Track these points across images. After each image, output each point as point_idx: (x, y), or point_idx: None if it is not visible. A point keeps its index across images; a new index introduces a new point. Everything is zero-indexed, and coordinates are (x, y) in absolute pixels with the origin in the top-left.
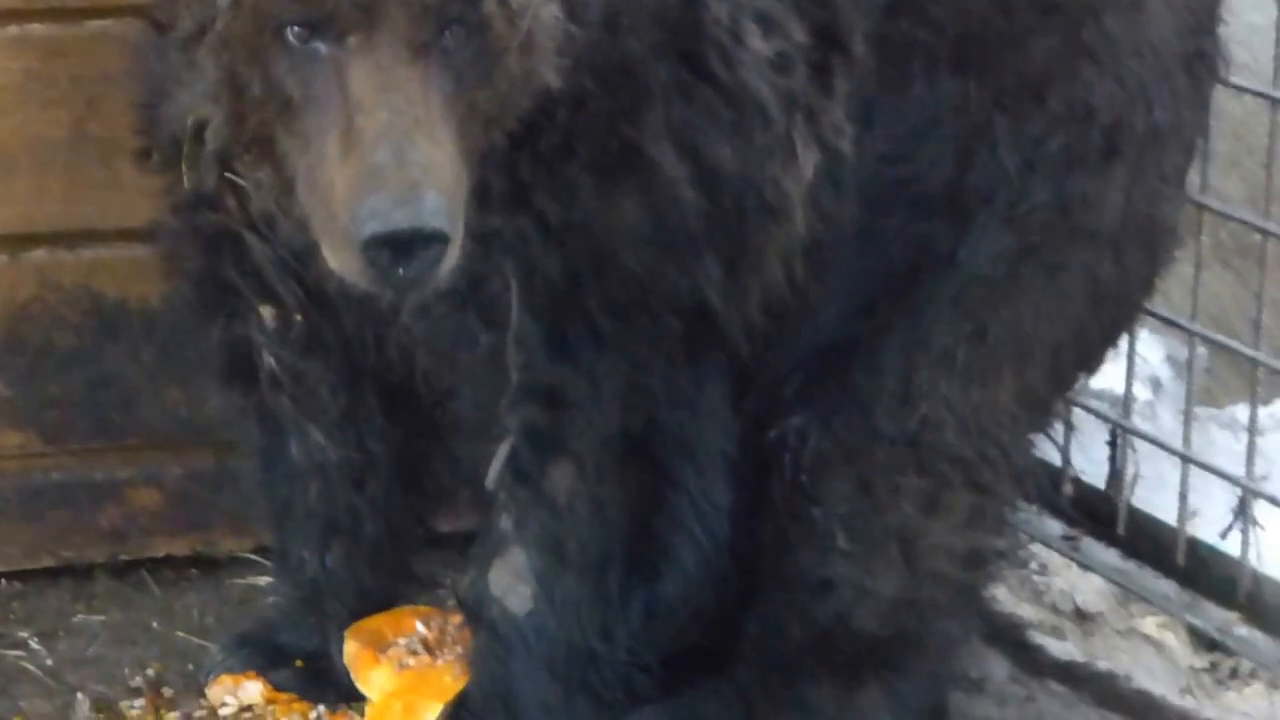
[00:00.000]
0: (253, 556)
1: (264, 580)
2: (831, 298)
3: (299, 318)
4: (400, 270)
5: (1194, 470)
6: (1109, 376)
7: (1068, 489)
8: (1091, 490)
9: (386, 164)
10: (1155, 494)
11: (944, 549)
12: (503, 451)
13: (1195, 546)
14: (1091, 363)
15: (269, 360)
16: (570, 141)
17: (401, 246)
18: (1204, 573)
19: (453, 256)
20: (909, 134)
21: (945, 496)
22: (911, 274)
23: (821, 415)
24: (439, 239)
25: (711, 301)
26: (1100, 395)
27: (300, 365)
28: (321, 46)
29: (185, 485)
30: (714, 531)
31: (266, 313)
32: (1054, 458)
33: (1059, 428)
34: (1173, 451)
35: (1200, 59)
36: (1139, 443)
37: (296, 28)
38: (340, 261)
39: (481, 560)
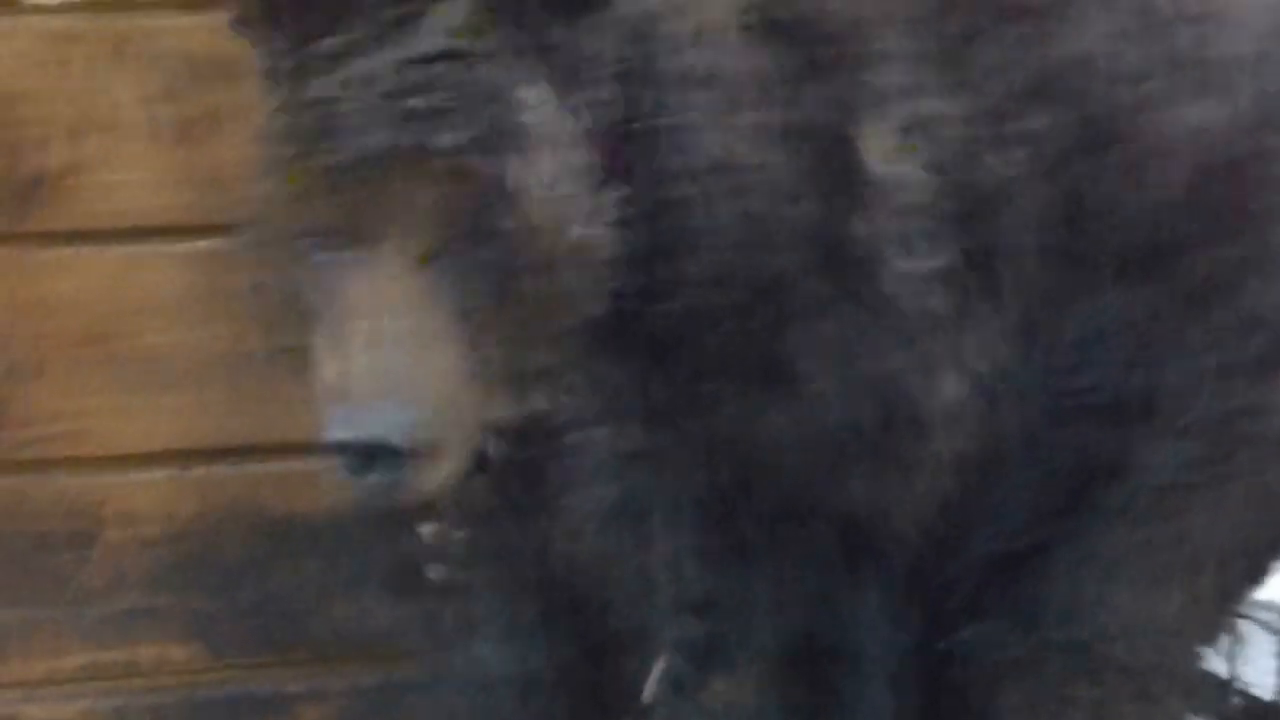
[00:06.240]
0: None
1: None
2: (999, 509)
3: (459, 534)
4: (369, 478)
5: None
6: (1275, 587)
7: (1235, 701)
8: (1260, 703)
9: (359, 372)
10: None
11: None
12: (659, 665)
13: None
14: (1259, 573)
15: (433, 571)
16: (709, 360)
17: (358, 456)
18: None
19: (440, 467)
20: (1075, 346)
21: (1115, 708)
22: (1080, 484)
23: (991, 627)
24: (396, 451)
25: (861, 514)
26: (1268, 606)
27: (463, 579)
28: (333, 257)
29: (351, 700)
30: None
31: (428, 527)
32: (1221, 669)
33: (1225, 639)
34: None
35: None
36: None
37: (310, 238)
38: (334, 470)
39: None
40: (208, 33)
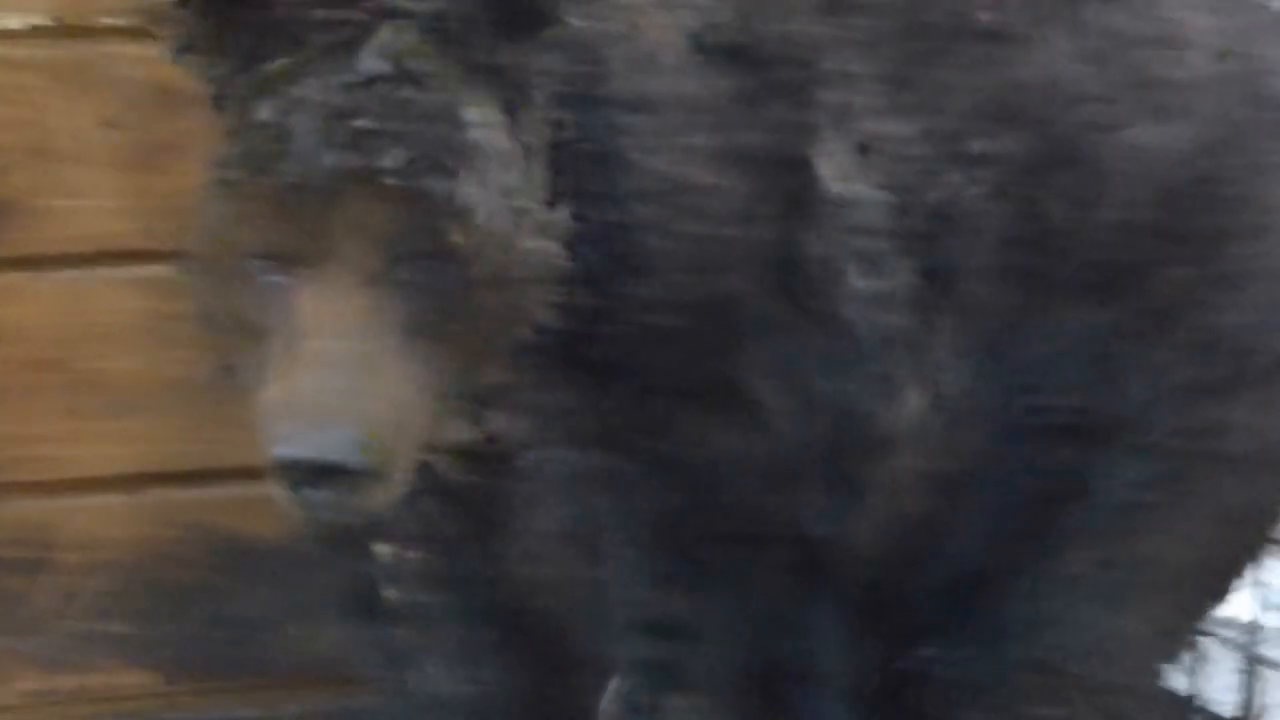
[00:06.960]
0: None
1: None
2: (959, 527)
3: (413, 555)
4: (313, 498)
5: None
6: (1237, 604)
7: (1197, 718)
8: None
9: (305, 391)
10: None
11: None
12: (614, 686)
13: None
14: (1220, 590)
15: (388, 594)
16: (658, 379)
17: (304, 475)
18: None
19: (386, 488)
20: (1037, 364)
21: None
22: (1041, 502)
23: (951, 645)
24: (343, 471)
25: (817, 535)
26: (1229, 623)
27: (417, 599)
28: (279, 277)
29: None
30: None
31: (382, 549)
32: (1183, 687)
33: (1187, 656)
34: None
35: None
36: (1269, 672)
37: (258, 260)
38: (274, 491)
39: None
40: (161, 61)
